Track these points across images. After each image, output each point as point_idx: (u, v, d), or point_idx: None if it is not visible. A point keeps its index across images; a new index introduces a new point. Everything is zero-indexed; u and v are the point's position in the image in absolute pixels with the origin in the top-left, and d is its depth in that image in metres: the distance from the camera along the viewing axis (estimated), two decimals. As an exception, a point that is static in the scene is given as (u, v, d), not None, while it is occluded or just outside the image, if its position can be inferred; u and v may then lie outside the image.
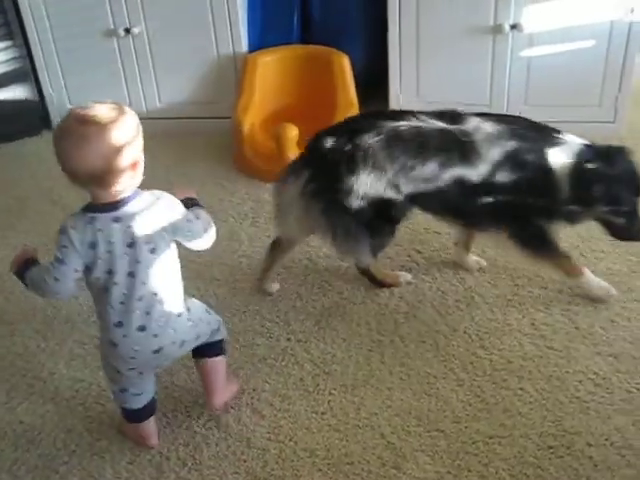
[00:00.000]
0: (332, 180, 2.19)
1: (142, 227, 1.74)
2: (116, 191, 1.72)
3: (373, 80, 3.43)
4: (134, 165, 1.71)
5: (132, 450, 2.01)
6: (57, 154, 1.67)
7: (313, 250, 2.69)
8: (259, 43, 3.51)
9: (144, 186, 1.78)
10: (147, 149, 1.74)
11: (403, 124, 2.19)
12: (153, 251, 1.76)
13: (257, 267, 2.60)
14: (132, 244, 1.74)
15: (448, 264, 2.62)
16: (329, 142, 2.22)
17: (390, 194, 2.20)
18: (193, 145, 3.57)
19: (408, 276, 2.55)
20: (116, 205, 1.73)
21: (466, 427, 2.00)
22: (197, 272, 2.61)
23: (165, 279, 1.81)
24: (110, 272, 1.75)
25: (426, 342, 2.29)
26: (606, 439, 1.95)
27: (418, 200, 2.26)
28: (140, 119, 1.73)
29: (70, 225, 1.73)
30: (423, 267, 2.62)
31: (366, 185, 2.17)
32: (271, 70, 3.43)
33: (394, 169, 2.17)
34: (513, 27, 3.10)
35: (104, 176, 1.67)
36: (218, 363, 2.03)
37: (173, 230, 1.79)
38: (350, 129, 2.23)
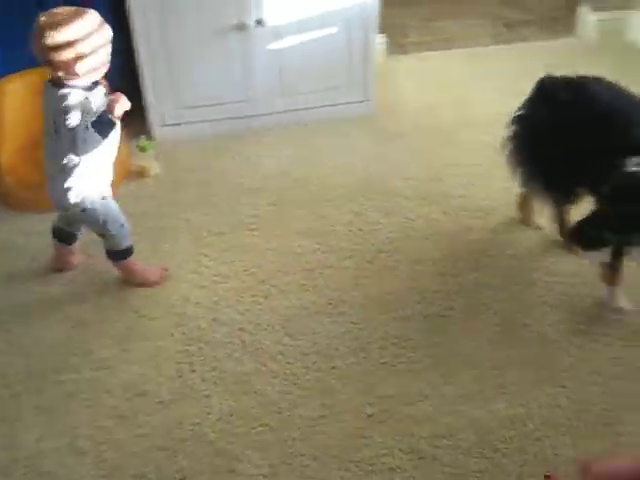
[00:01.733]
0: None
1: None
2: None
3: (130, 93, 3.35)
4: None
5: None
6: None
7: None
8: (3, 70, 3.31)
9: None
10: None
11: None
12: None
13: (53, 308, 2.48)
14: None
15: (237, 261, 2.64)
16: None
17: None
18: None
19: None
20: None
21: (289, 415, 2.04)
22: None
23: None
24: None
25: (232, 342, 2.30)
26: (419, 394, 2.07)
27: None
28: None
29: None
30: (213, 269, 2.62)
31: None
32: (20, 97, 3.24)
33: None
34: (258, 23, 3.17)
35: None
36: None
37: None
38: None
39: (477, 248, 2.64)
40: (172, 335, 2.34)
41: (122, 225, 2.45)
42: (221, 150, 3.29)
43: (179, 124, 3.35)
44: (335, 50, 3.33)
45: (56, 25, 2.09)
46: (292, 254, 2.66)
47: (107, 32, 2.19)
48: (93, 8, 2.18)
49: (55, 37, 2.09)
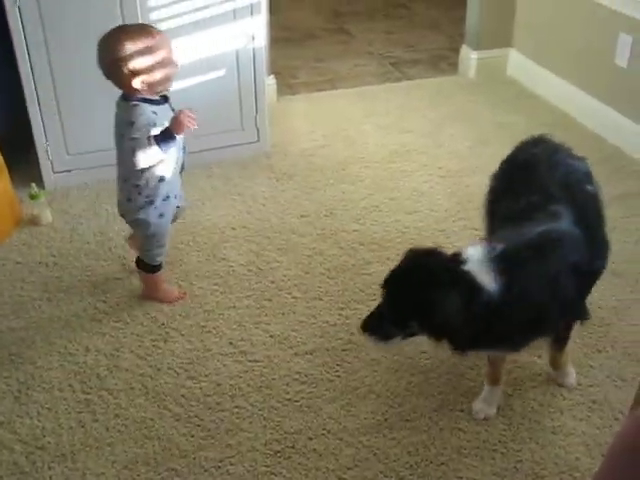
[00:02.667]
0: None
1: None
2: None
3: (19, 141, 3.29)
4: None
5: None
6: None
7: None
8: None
9: None
10: None
11: None
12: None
13: None
14: None
15: (136, 307, 2.62)
16: None
17: None
18: None
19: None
20: None
21: (194, 458, 2.03)
22: None
23: None
24: None
25: (134, 388, 2.27)
26: (323, 429, 2.10)
27: None
28: None
29: None
30: (112, 315, 2.59)
31: None
32: None
33: None
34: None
35: None
36: None
37: None
38: None
39: (374, 280, 2.69)
40: (71, 385, 2.29)
41: (162, 246, 2.56)
42: (114, 196, 3.23)
43: (69, 170, 3.31)
44: (226, 92, 3.37)
45: (121, 40, 2.26)
46: (192, 296, 2.66)
47: (168, 47, 2.35)
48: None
49: (119, 52, 2.25)
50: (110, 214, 3.12)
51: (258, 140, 3.52)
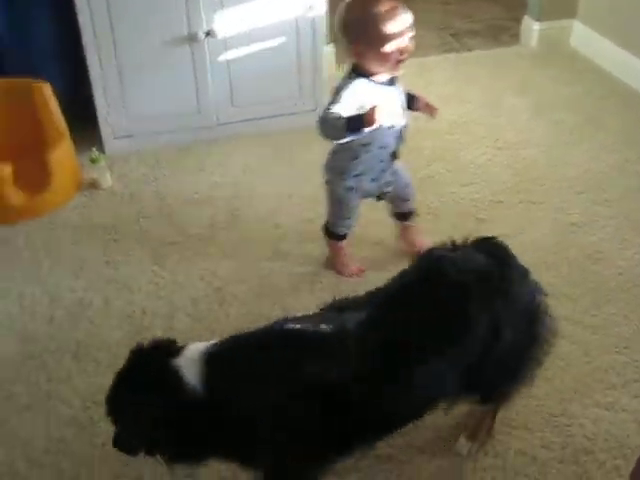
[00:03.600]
0: None
1: None
2: None
3: (81, 105, 3.35)
4: None
5: None
6: None
7: None
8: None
9: None
10: None
11: None
12: None
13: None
14: None
15: (192, 271, 2.66)
16: None
17: None
18: None
19: None
20: None
21: None
22: None
23: None
24: None
25: (190, 350, 2.31)
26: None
27: None
28: None
29: None
30: (169, 279, 2.64)
31: None
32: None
33: None
34: (207, 34, 3.19)
35: None
36: None
37: None
38: None
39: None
40: (127, 346, 2.33)
41: (346, 218, 2.55)
42: (174, 162, 3.30)
43: (131, 136, 3.36)
44: (285, 60, 3.37)
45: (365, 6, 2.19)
46: (246, 262, 2.69)
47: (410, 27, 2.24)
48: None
49: (371, 10, 2.18)
50: (169, 179, 3.17)
51: (316, 109, 3.51)
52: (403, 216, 2.68)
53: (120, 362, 1.64)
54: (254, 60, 3.32)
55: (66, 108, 3.18)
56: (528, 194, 2.97)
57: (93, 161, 3.10)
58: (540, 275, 1.88)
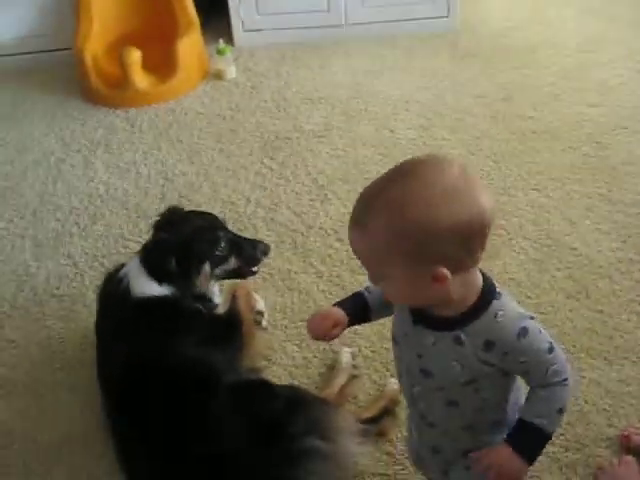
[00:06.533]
0: None
1: None
2: None
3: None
4: None
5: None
6: None
7: None
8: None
9: None
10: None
11: None
12: None
13: (114, 195, 2.63)
14: None
15: (300, 166, 2.71)
16: None
17: None
18: (38, 80, 3.47)
19: None
20: None
21: (327, 313, 2.12)
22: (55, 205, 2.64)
23: None
24: None
25: (285, 242, 2.39)
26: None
27: None
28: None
29: None
30: (276, 172, 2.70)
31: None
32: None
33: None
34: None
35: None
36: None
37: None
38: None
39: (541, 170, 2.61)
40: (229, 231, 2.45)
41: None
42: (298, 59, 3.33)
43: (259, 30, 3.40)
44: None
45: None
46: (355, 163, 2.71)
47: None
48: None
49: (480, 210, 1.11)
50: (291, 75, 3.21)
51: (447, 15, 3.43)
52: None
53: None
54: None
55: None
56: (658, 120, 2.81)
57: (220, 52, 3.17)
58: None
